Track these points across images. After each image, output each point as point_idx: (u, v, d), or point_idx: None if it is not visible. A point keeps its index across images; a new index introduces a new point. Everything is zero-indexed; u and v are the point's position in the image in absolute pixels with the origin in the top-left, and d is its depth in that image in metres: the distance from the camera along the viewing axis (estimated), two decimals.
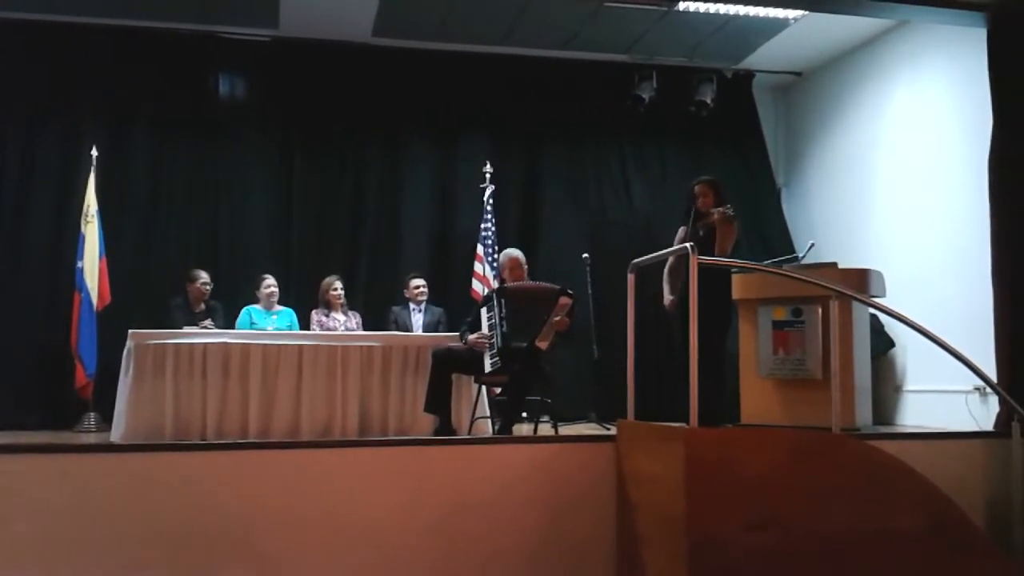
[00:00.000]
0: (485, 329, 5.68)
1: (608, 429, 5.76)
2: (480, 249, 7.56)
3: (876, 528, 4.05)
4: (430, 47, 7.93)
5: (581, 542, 4.69)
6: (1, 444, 4.62)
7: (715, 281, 5.59)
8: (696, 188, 6.00)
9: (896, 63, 7.51)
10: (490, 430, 5.82)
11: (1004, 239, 5.62)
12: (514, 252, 6.06)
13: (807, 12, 6.95)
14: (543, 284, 5.86)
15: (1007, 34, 5.76)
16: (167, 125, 7.64)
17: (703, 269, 4.33)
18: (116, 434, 5.47)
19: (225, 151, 7.75)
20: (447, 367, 5.63)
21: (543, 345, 5.52)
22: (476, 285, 7.49)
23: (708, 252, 5.57)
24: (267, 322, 6.70)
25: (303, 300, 7.08)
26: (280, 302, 6.87)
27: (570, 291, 5.68)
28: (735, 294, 6.04)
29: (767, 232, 8.35)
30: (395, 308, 7.14)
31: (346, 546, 4.48)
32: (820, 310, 5.68)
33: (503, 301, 5.61)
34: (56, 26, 7.31)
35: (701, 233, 5.78)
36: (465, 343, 5.74)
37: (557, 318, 5.54)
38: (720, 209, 5.75)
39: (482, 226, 7.59)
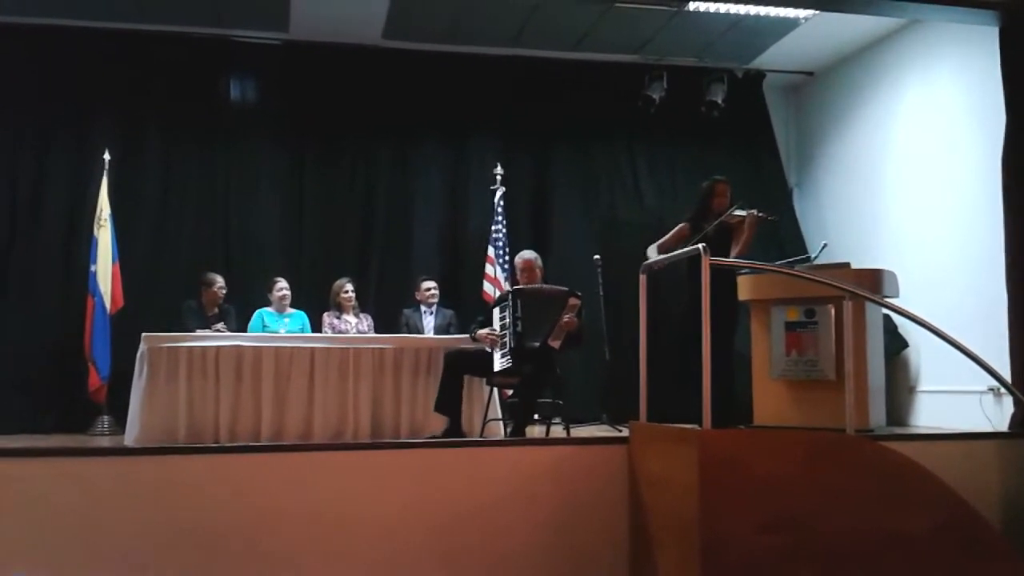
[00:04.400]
0: (497, 328, 5.70)
1: (620, 431, 5.76)
2: (491, 251, 7.56)
3: (890, 529, 4.03)
4: (440, 49, 7.94)
5: (593, 544, 4.69)
6: (15, 448, 4.65)
7: (723, 281, 5.56)
8: (717, 187, 5.93)
9: (908, 62, 7.48)
10: (502, 432, 5.82)
11: (1018, 238, 5.59)
12: (530, 254, 6.06)
13: (818, 11, 6.92)
14: (554, 287, 5.88)
15: (1019, 32, 5.74)
16: (179, 129, 7.67)
17: (712, 269, 4.32)
18: (130, 437, 5.49)
19: (236, 154, 7.77)
20: (459, 368, 5.64)
21: (556, 344, 5.56)
22: (487, 287, 7.49)
23: (720, 252, 5.55)
24: (279, 325, 6.72)
25: (315, 303, 7.09)
26: (292, 305, 6.89)
27: (578, 292, 5.71)
28: (748, 295, 6.02)
29: (779, 233, 8.31)
30: (406, 310, 7.15)
31: (359, 548, 4.48)
32: (833, 311, 5.65)
33: (519, 302, 5.63)
34: (67, 31, 7.34)
35: (710, 232, 5.73)
36: (474, 337, 5.76)
37: (567, 318, 5.56)
38: (755, 212, 5.68)
39: (493, 228, 7.59)
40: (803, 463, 4.09)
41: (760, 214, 5.68)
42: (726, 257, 5.66)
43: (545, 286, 5.94)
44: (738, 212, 5.69)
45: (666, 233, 6.15)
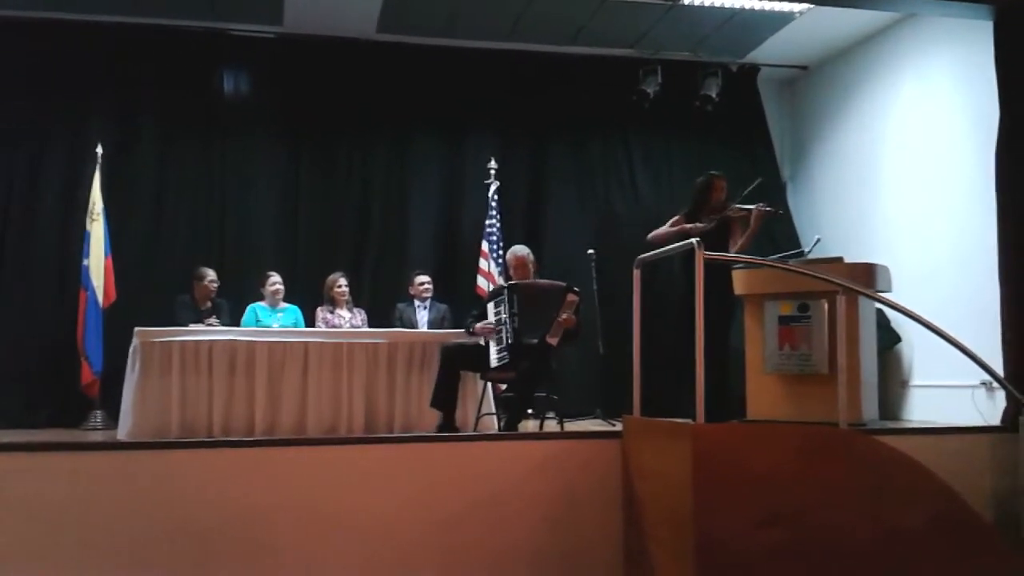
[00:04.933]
0: (492, 323, 5.68)
1: (614, 425, 5.76)
2: (485, 246, 7.55)
3: (884, 523, 4.04)
4: (435, 43, 7.91)
5: (588, 539, 4.70)
6: (8, 443, 4.64)
7: (718, 275, 5.55)
8: (715, 182, 5.93)
9: (902, 56, 7.47)
10: (496, 427, 5.82)
11: (1011, 233, 5.60)
12: (521, 250, 6.04)
13: (813, 6, 6.92)
14: (550, 282, 5.86)
15: (1013, 27, 5.74)
16: (172, 123, 7.63)
17: (707, 263, 4.32)
18: (122, 432, 5.48)
19: (230, 148, 7.74)
20: (456, 363, 5.62)
21: (554, 341, 5.54)
22: (481, 282, 7.48)
23: (718, 246, 5.54)
24: (272, 319, 6.71)
25: (308, 297, 7.07)
26: (285, 299, 6.88)
27: (576, 288, 5.68)
28: (741, 289, 6.02)
29: (773, 227, 8.30)
30: (400, 305, 7.14)
31: (352, 542, 4.49)
32: (826, 305, 5.67)
33: (514, 297, 5.61)
34: (61, 24, 7.29)
35: (706, 225, 5.71)
36: (471, 331, 5.74)
37: (565, 315, 5.54)
38: (762, 205, 5.67)
39: (487, 222, 7.58)
40: (796, 457, 4.10)
41: (768, 208, 5.69)
42: (725, 252, 5.66)
43: (541, 280, 5.92)
44: (744, 206, 5.69)
45: (661, 226, 6.13)
